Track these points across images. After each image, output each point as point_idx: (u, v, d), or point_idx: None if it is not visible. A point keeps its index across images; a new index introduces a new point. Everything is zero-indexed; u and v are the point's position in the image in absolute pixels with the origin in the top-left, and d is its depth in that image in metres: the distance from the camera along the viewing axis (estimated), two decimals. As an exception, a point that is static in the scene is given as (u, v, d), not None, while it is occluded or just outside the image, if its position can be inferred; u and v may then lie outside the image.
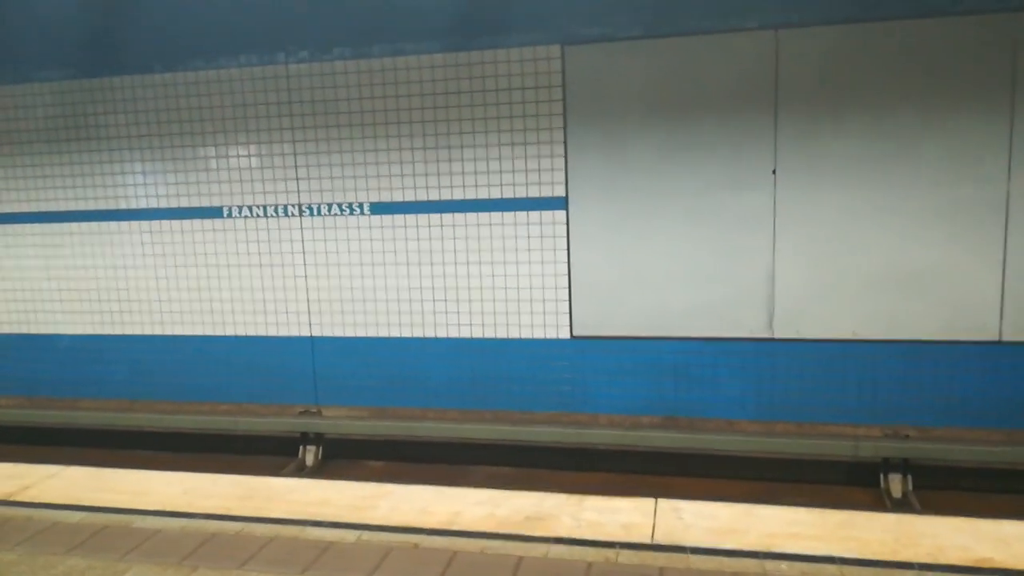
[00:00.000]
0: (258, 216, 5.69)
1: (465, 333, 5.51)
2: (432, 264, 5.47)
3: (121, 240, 5.97)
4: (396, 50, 5.25)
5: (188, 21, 5.46)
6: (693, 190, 5.00)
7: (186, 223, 5.82)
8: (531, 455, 5.41)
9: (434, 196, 5.38)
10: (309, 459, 5.63)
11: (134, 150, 5.81)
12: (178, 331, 6.00)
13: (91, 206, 5.97)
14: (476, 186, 5.30)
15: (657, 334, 5.22)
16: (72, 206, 6.01)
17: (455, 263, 5.43)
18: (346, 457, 5.67)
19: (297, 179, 5.57)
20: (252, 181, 5.65)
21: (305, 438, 5.68)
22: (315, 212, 5.59)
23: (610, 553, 2.90)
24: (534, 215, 5.25)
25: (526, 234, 5.29)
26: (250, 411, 5.91)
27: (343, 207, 5.54)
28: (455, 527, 3.16)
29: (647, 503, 3.31)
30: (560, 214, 5.21)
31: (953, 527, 3.02)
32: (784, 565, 2.78)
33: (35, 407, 6.30)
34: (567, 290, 5.31)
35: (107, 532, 3.24)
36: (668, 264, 5.12)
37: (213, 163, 5.70)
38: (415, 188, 5.40)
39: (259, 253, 5.75)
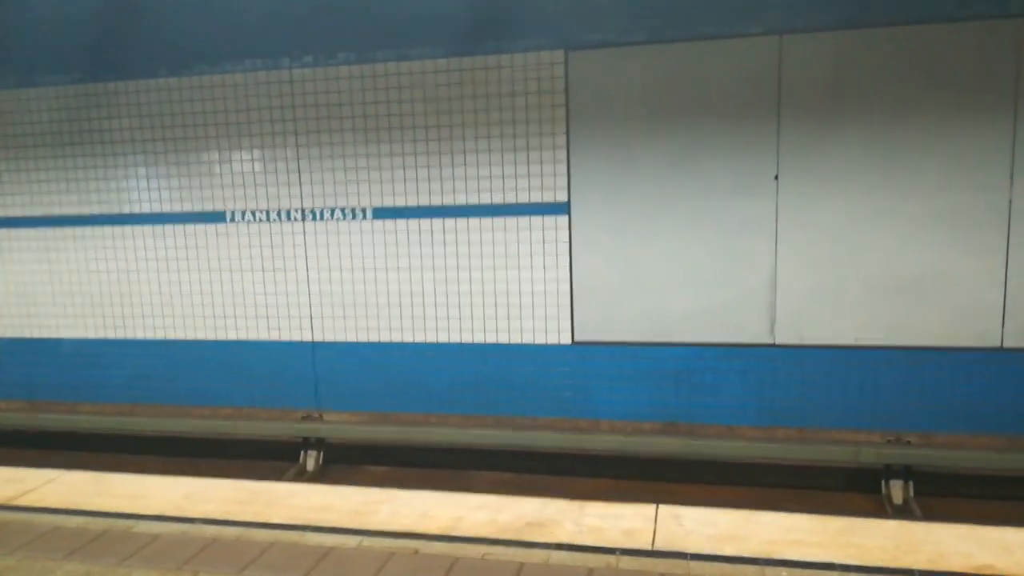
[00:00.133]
0: (261, 221, 5.70)
1: (467, 338, 5.51)
2: (434, 269, 5.47)
3: (124, 244, 5.98)
4: (400, 55, 5.26)
5: (192, 26, 5.47)
6: (695, 195, 5.00)
7: (189, 227, 5.83)
8: (532, 461, 5.40)
9: (436, 201, 5.38)
10: (310, 464, 5.62)
11: (137, 154, 5.82)
12: (180, 335, 6.00)
13: (94, 210, 5.98)
14: (479, 191, 5.30)
15: (659, 340, 5.21)
16: (75, 210, 6.02)
17: (457, 268, 5.43)
18: (347, 462, 5.67)
19: (300, 184, 5.58)
20: (255, 186, 5.66)
21: (306, 443, 5.67)
22: (318, 217, 5.59)
23: (611, 559, 2.90)
24: (536, 220, 5.25)
25: (528, 239, 5.29)
26: (251, 416, 5.91)
27: (346, 212, 5.54)
28: (456, 533, 3.15)
29: (648, 509, 3.30)
30: (562, 219, 5.21)
31: (955, 534, 3.01)
32: (785, 572, 2.77)
33: (35, 411, 6.30)
34: (569, 295, 5.30)
35: (106, 537, 3.24)
36: (670, 269, 5.12)
37: (216, 168, 5.71)
38: (418, 193, 5.40)
39: (261, 258, 5.75)
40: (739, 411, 5.16)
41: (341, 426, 5.67)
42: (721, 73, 4.86)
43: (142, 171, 5.85)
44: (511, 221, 5.30)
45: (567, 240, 5.24)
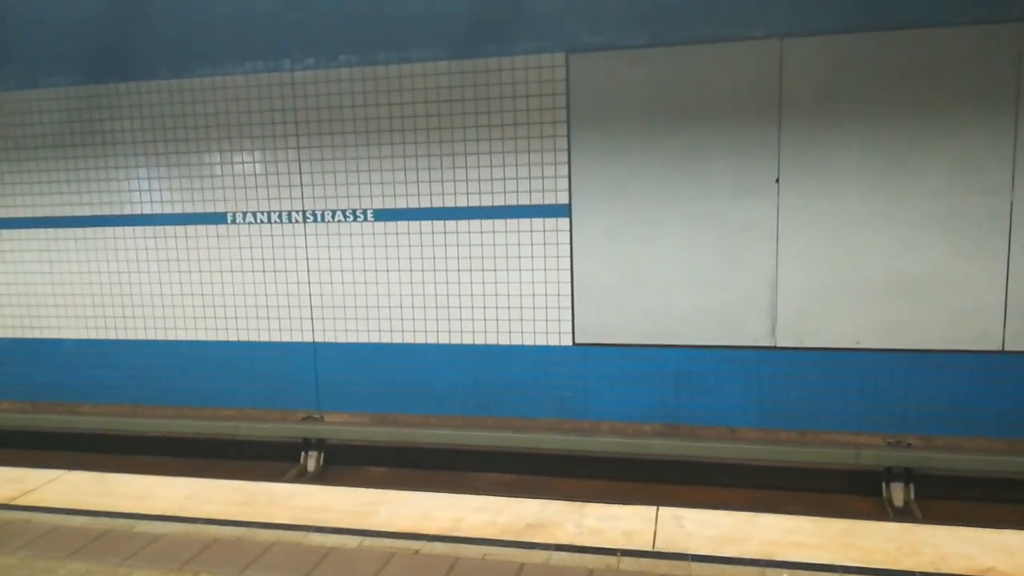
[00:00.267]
0: (262, 222, 5.71)
1: (468, 340, 5.51)
2: (435, 271, 5.48)
3: (125, 245, 5.99)
4: (401, 57, 5.27)
5: (194, 27, 5.48)
6: (696, 198, 5.01)
7: (190, 229, 5.84)
8: (533, 462, 5.41)
9: (438, 203, 5.39)
10: (311, 465, 5.63)
11: (139, 156, 5.83)
12: (181, 336, 6.01)
13: (96, 211, 5.99)
14: (480, 193, 5.31)
15: (659, 342, 5.22)
16: (76, 211, 6.03)
17: (458, 270, 5.44)
18: (348, 463, 5.68)
19: (301, 185, 5.59)
20: (256, 187, 5.67)
21: (307, 444, 5.68)
22: (319, 219, 5.60)
23: (611, 560, 2.90)
24: (537, 222, 5.26)
25: (529, 241, 5.30)
26: (252, 416, 5.92)
27: (347, 214, 5.55)
28: (457, 533, 3.16)
29: (648, 510, 3.31)
30: (563, 221, 5.22)
31: (956, 536, 3.01)
32: (786, 573, 2.78)
33: (37, 411, 6.31)
34: (569, 297, 5.31)
35: (108, 537, 3.24)
36: (671, 271, 5.13)
37: (218, 169, 5.71)
38: (419, 195, 5.41)
39: (263, 259, 5.76)
40: (740, 413, 5.16)
41: (342, 427, 5.68)
42: (722, 76, 4.87)
43: (143, 172, 5.86)
44: (512, 223, 5.30)
45: (568, 242, 5.24)
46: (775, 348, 5.06)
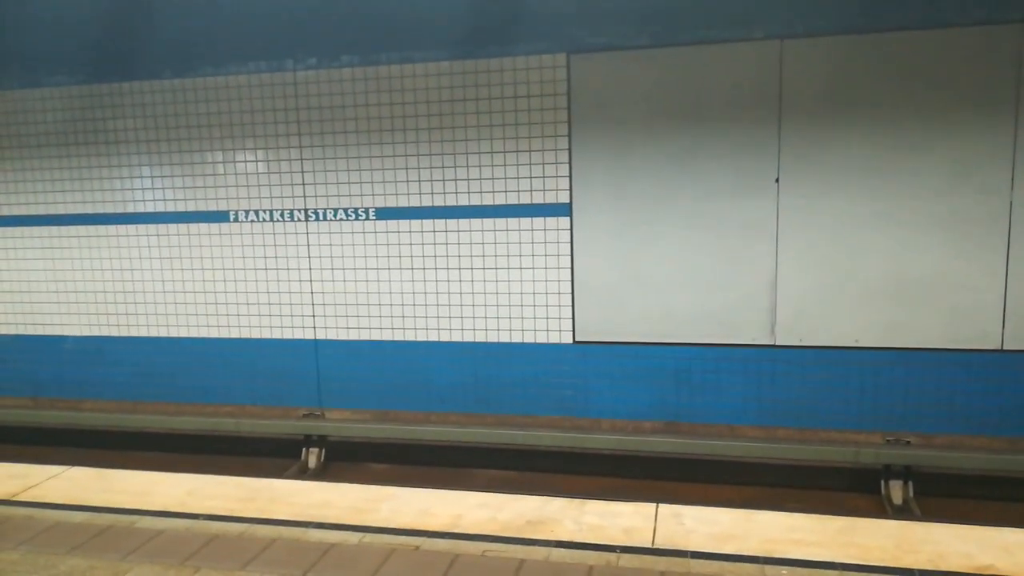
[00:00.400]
0: (264, 220, 5.72)
1: (468, 337, 5.53)
2: (436, 269, 5.49)
3: (128, 243, 6.01)
4: (403, 58, 5.29)
5: (197, 28, 5.49)
6: (696, 197, 5.02)
7: (193, 227, 5.86)
8: (533, 459, 5.42)
9: (439, 202, 5.40)
10: (312, 461, 5.65)
11: (142, 154, 5.85)
12: (183, 333, 6.02)
13: (98, 209, 6.01)
14: (481, 192, 5.32)
15: (659, 340, 5.23)
16: (79, 209, 6.05)
17: (459, 268, 5.45)
18: (349, 460, 5.69)
19: (303, 184, 5.60)
20: (259, 186, 5.68)
21: (308, 440, 5.70)
22: (321, 217, 5.62)
23: (611, 557, 2.92)
24: (538, 221, 5.27)
25: (530, 240, 5.31)
26: (253, 413, 5.94)
27: (348, 212, 5.57)
28: (457, 530, 3.17)
29: (648, 507, 3.32)
30: (564, 220, 5.23)
31: (954, 534, 3.03)
32: (785, 570, 2.79)
33: (40, 408, 6.34)
34: (570, 295, 5.32)
35: (110, 532, 3.26)
36: (671, 270, 5.14)
37: (220, 168, 5.73)
38: (420, 194, 5.42)
39: (264, 257, 5.77)
40: (740, 411, 5.18)
41: (343, 424, 5.70)
42: (723, 77, 4.88)
43: (146, 171, 5.87)
44: (513, 222, 5.32)
45: (568, 241, 5.25)
46: (775, 346, 5.07)
